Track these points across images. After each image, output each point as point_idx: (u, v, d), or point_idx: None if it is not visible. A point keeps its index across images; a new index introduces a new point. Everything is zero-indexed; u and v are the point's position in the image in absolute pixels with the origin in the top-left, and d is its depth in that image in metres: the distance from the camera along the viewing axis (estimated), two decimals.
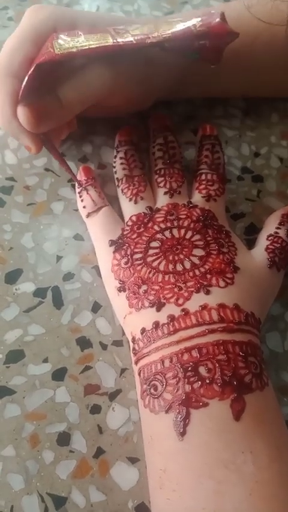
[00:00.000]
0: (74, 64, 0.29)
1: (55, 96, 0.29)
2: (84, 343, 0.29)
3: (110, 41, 0.28)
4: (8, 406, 0.27)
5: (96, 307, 0.30)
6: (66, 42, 0.28)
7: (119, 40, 0.28)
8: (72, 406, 0.27)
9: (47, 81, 0.29)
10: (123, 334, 0.29)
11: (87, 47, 0.28)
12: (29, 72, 0.27)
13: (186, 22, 0.29)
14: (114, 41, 0.28)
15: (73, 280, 0.31)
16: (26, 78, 0.27)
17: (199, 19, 0.29)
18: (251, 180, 0.37)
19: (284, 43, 0.31)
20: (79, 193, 0.33)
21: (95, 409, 0.27)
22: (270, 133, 0.39)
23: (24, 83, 0.28)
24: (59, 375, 0.28)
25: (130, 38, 0.28)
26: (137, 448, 0.26)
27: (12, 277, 0.31)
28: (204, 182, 0.32)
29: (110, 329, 0.30)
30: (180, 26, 0.29)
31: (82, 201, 0.32)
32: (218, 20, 0.29)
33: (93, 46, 0.28)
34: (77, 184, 0.33)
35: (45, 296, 0.30)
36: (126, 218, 0.31)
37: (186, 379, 0.23)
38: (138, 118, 0.38)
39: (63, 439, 0.26)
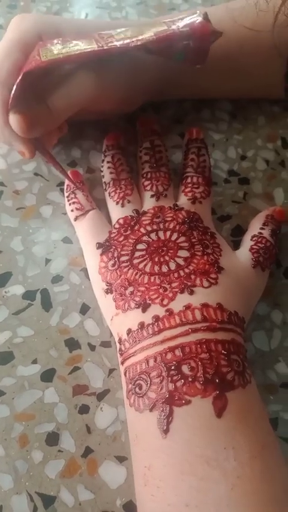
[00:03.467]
0: (61, 71, 0.30)
1: (44, 103, 0.29)
2: (72, 344, 0.29)
3: (94, 46, 0.28)
4: None
5: (84, 309, 0.31)
6: (52, 50, 0.28)
7: (104, 45, 0.29)
8: (60, 407, 0.27)
9: (35, 89, 0.29)
10: (111, 335, 0.30)
11: (72, 53, 0.28)
12: (17, 81, 0.28)
13: (170, 25, 0.30)
14: (99, 45, 0.28)
15: (62, 282, 0.32)
16: (15, 86, 0.28)
17: (182, 20, 0.29)
18: (237, 183, 0.37)
19: (269, 49, 0.32)
20: (67, 197, 0.33)
21: (84, 409, 0.28)
22: (257, 137, 0.40)
23: (13, 91, 0.28)
24: (47, 375, 0.28)
25: (115, 43, 0.29)
26: (125, 447, 0.27)
27: (2, 280, 0.31)
28: (190, 185, 0.33)
29: (98, 330, 0.30)
30: (164, 29, 0.29)
31: (70, 204, 0.33)
32: (200, 19, 0.29)
33: (78, 52, 0.28)
34: (65, 188, 0.34)
35: (34, 298, 0.31)
36: (114, 221, 0.32)
37: (169, 378, 0.23)
38: (126, 121, 0.38)
39: (52, 439, 0.27)
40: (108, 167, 0.34)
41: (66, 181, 0.34)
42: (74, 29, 0.32)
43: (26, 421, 0.27)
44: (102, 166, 0.35)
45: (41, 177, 0.36)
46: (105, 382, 0.28)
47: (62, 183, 0.35)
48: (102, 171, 0.35)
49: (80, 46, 0.28)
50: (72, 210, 0.33)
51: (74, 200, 0.33)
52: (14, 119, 0.29)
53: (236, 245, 0.32)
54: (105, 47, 0.28)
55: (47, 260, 0.32)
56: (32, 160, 0.37)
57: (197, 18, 0.29)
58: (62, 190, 0.35)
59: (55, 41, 0.29)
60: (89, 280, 0.31)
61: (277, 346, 0.31)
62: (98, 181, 0.36)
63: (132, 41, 0.29)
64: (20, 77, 0.28)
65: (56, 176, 0.36)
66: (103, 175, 0.35)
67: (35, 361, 0.29)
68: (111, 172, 0.34)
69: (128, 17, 0.47)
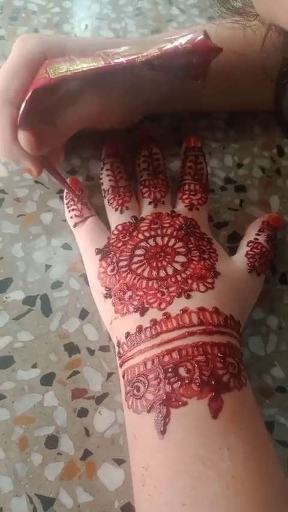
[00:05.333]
0: (67, 89, 0.31)
1: (51, 121, 0.30)
2: (72, 348, 0.30)
3: (102, 63, 0.29)
4: None
5: (83, 314, 0.31)
6: (60, 67, 0.29)
7: (110, 61, 0.29)
8: (60, 410, 0.28)
9: (42, 107, 0.30)
10: (110, 339, 0.30)
11: (80, 70, 0.28)
12: (27, 98, 0.28)
13: (172, 41, 0.30)
14: (106, 62, 0.29)
15: (61, 288, 0.32)
16: (24, 103, 0.28)
17: (184, 37, 0.30)
18: (233, 190, 0.38)
19: (258, 71, 0.32)
20: (67, 204, 0.34)
21: (82, 413, 0.28)
22: (253, 145, 0.41)
23: (22, 108, 0.28)
24: (47, 379, 0.29)
25: (121, 59, 0.29)
26: (123, 449, 0.27)
27: (3, 285, 0.32)
28: (187, 192, 0.34)
29: (97, 335, 0.31)
30: (167, 45, 0.30)
31: (69, 211, 0.34)
32: (201, 37, 0.30)
33: (86, 68, 0.29)
34: (64, 196, 0.35)
35: (34, 304, 0.31)
36: (112, 227, 0.33)
37: (166, 380, 0.24)
38: (124, 130, 0.39)
39: (52, 441, 0.27)
40: (108, 175, 0.35)
41: (65, 189, 0.35)
42: (78, 47, 0.32)
43: (26, 424, 0.27)
44: (101, 174, 0.36)
45: (41, 184, 0.37)
46: (104, 386, 0.29)
47: (62, 191, 0.36)
48: (101, 179, 0.36)
49: (87, 63, 0.29)
50: (71, 217, 0.33)
51: (73, 207, 0.34)
52: (23, 136, 0.29)
53: (232, 251, 0.33)
54: (112, 63, 0.29)
55: (47, 266, 0.33)
56: None
57: (198, 35, 0.30)
58: (62, 197, 0.36)
59: (61, 59, 0.30)
60: (88, 285, 0.32)
61: (273, 350, 0.31)
62: (97, 189, 0.36)
63: (138, 57, 0.29)
64: (29, 94, 0.28)
65: (56, 184, 0.36)
66: (102, 183, 0.35)
67: (34, 366, 0.29)
68: (110, 180, 0.35)
69: (126, 28, 0.48)
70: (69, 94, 0.31)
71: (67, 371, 0.29)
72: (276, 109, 0.35)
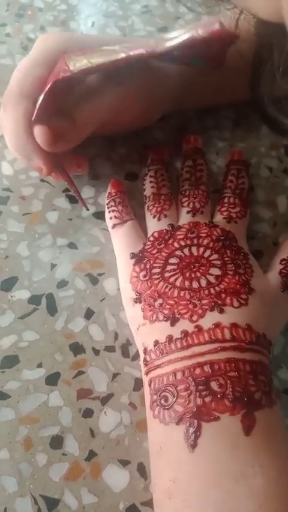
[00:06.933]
0: (86, 83, 0.30)
1: (68, 116, 0.30)
2: (77, 348, 0.30)
3: (122, 55, 0.29)
4: (3, 410, 0.28)
5: (89, 314, 0.31)
6: (79, 59, 0.28)
7: (130, 53, 0.29)
8: (65, 410, 0.28)
9: (59, 101, 0.29)
10: (115, 340, 0.30)
11: (101, 61, 0.28)
12: (45, 90, 0.28)
13: (188, 33, 0.31)
14: (126, 53, 0.29)
15: (67, 287, 0.32)
16: (42, 96, 0.28)
17: (201, 27, 0.31)
18: None
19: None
20: (107, 204, 0.34)
21: (87, 413, 0.28)
22: (260, 144, 0.40)
23: (40, 102, 0.28)
24: (52, 379, 0.29)
25: (140, 50, 0.29)
26: (128, 450, 0.27)
27: (8, 284, 0.32)
28: (226, 205, 0.33)
29: (102, 335, 0.30)
30: (184, 36, 0.30)
31: (109, 212, 0.33)
32: (217, 25, 0.30)
33: (107, 60, 0.28)
34: (106, 195, 0.35)
35: (40, 303, 0.31)
36: (149, 234, 0.32)
37: (198, 393, 0.23)
38: (133, 134, 0.39)
39: (56, 442, 0.27)
40: (150, 181, 0.35)
41: (109, 189, 0.35)
42: (96, 44, 0.32)
43: (31, 424, 0.27)
44: (144, 180, 0.36)
45: (47, 183, 0.37)
46: (109, 387, 0.29)
47: (68, 189, 0.36)
48: (144, 184, 0.36)
49: (106, 55, 0.29)
50: (110, 218, 0.33)
51: (113, 208, 0.33)
52: (39, 131, 0.29)
53: None
54: (131, 54, 0.29)
55: (53, 265, 0.33)
56: None
57: (214, 24, 0.30)
58: (67, 196, 0.36)
59: (79, 52, 0.29)
60: (94, 285, 0.32)
61: (279, 352, 0.31)
62: (103, 188, 0.36)
63: (157, 47, 0.29)
64: (48, 86, 0.27)
65: (62, 183, 0.36)
66: (144, 188, 0.35)
67: (40, 365, 0.29)
68: (152, 187, 0.35)
69: (133, 26, 0.48)
70: (88, 88, 0.30)
71: (72, 371, 0.29)
72: (253, 96, 0.35)
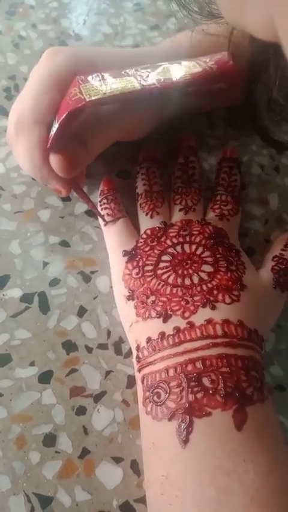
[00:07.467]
0: (101, 113, 0.30)
1: (82, 142, 0.30)
2: (70, 346, 0.30)
3: (136, 85, 0.28)
4: None
5: (81, 312, 0.31)
6: (94, 88, 0.27)
7: (145, 84, 0.28)
8: (58, 408, 0.28)
9: (73, 127, 0.29)
10: (108, 337, 0.30)
11: (117, 92, 0.27)
12: (60, 120, 0.27)
13: (197, 62, 0.30)
14: (141, 85, 0.28)
15: (59, 285, 0.32)
16: (57, 125, 0.27)
17: (209, 58, 0.31)
18: None
19: None
20: (100, 201, 0.34)
21: (81, 411, 0.28)
22: (252, 142, 0.41)
23: (55, 130, 0.28)
24: (45, 377, 0.29)
25: (154, 81, 0.29)
26: (121, 448, 0.27)
27: (0, 283, 0.32)
28: (218, 202, 0.34)
29: (95, 333, 0.30)
30: (196, 69, 0.30)
31: (102, 209, 0.33)
32: (228, 61, 0.31)
33: (121, 91, 0.27)
34: (99, 193, 0.34)
35: (32, 301, 0.31)
36: (142, 231, 0.32)
37: (189, 389, 0.23)
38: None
39: (49, 440, 0.27)
40: (142, 179, 0.35)
41: (101, 187, 0.35)
42: (108, 60, 0.31)
43: (24, 422, 0.27)
44: (137, 178, 0.36)
45: None
46: (102, 384, 0.29)
47: None
48: (136, 182, 0.35)
49: (120, 84, 0.28)
50: (103, 215, 0.33)
51: (106, 206, 0.33)
52: (55, 159, 0.29)
53: None
54: (147, 87, 0.28)
55: (45, 263, 0.33)
56: None
57: (223, 59, 0.31)
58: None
59: (91, 77, 0.28)
60: (86, 283, 0.32)
61: (271, 348, 0.31)
62: (95, 186, 0.36)
63: (172, 82, 0.29)
64: (63, 116, 0.27)
65: None
66: (137, 186, 0.35)
67: (32, 363, 0.29)
68: (144, 184, 0.35)
69: (125, 24, 0.47)
70: (103, 116, 0.30)
71: (65, 369, 0.29)
72: (247, 109, 0.35)
